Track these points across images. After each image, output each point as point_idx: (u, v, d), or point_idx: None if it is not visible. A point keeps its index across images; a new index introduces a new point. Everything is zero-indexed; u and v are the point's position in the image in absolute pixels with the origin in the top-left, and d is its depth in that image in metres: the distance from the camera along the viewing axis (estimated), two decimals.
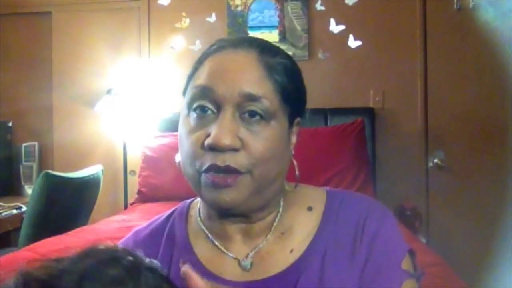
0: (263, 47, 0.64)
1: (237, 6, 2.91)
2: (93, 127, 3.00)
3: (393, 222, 0.65)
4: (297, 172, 0.67)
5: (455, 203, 2.50)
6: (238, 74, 0.60)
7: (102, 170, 2.39)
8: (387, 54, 2.79)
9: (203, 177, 0.60)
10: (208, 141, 0.58)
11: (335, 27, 2.48)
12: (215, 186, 0.59)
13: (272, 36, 2.84)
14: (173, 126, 2.79)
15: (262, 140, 0.60)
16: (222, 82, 0.60)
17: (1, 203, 2.49)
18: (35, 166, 2.98)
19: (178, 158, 0.66)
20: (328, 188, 0.71)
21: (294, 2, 2.87)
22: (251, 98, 0.59)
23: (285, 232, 0.66)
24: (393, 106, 2.82)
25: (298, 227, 0.66)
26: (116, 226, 1.91)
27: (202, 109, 0.60)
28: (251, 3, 2.91)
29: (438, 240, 2.55)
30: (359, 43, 2.50)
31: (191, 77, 0.65)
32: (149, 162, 2.61)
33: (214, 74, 0.61)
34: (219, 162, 0.58)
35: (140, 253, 0.46)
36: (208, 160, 0.59)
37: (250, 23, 2.91)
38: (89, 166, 2.35)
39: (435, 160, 2.61)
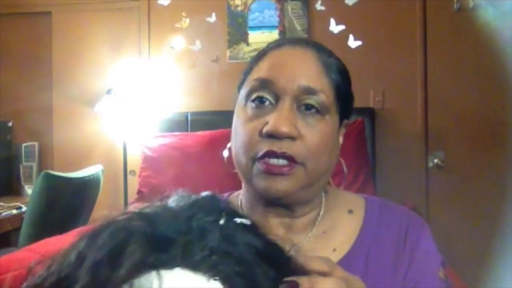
0: (319, 47, 0.68)
1: (237, 6, 2.91)
2: (93, 127, 2.99)
3: (430, 233, 0.68)
4: (345, 170, 0.71)
5: (455, 203, 2.50)
6: (298, 68, 0.63)
7: (102, 170, 2.40)
8: (387, 54, 2.79)
9: (257, 165, 0.61)
10: (266, 128, 0.60)
11: (335, 27, 2.48)
12: (269, 173, 0.60)
13: (272, 36, 2.84)
14: (173, 126, 2.80)
15: (317, 133, 0.62)
16: (282, 75, 0.62)
17: (1, 203, 2.49)
18: (35, 166, 2.98)
19: (226, 153, 0.68)
20: (364, 195, 0.74)
21: (294, 2, 2.87)
22: (309, 91, 0.61)
23: (326, 231, 0.67)
24: (393, 106, 2.82)
25: (339, 228, 0.68)
26: None
27: (261, 100, 0.62)
28: (251, 3, 2.91)
29: (438, 240, 2.53)
30: (359, 43, 2.49)
31: (248, 72, 0.67)
32: (149, 162, 2.61)
33: (274, 67, 0.63)
34: (276, 148, 0.59)
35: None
36: (265, 146, 0.60)
37: (250, 23, 2.91)
38: (89, 166, 2.35)
39: (435, 160, 2.61)
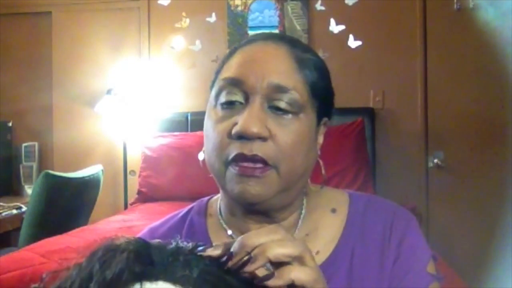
0: (294, 42, 0.64)
1: (237, 6, 2.91)
2: (93, 127, 2.99)
3: (418, 227, 0.66)
4: (323, 172, 0.67)
5: (455, 203, 2.50)
6: (268, 65, 0.59)
7: (102, 170, 2.39)
8: (387, 54, 2.79)
9: (229, 169, 0.58)
10: (236, 129, 0.57)
11: (335, 27, 2.48)
12: (242, 176, 0.57)
13: None
14: (173, 126, 2.80)
15: (290, 133, 0.59)
16: (252, 73, 0.59)
17: (1, 203, 2.49)
18: (35, 166, 2.98)
19: (201, 156, 0.65)
20: (349, 190, 0.71)
21: (294, 2, 2.87)
22: (280, 89, 0.58)
23: (309, 233, 0.65)
24: (393, 106, 2.82)
25: (322, 229, 0.66)
26: (116, 226, 1.91)
27: (230, 100, 0.60)
28: (251, 3, 2.91)
29: (438, 240, 2.54)
30: (359, 43, 2.49)
31: (219, 71, 0.64)
32: (149, 162, 2.61)
33: (243, 65, 0.60)
34: (246, 151, 0.57)
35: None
36: (235, 149, 0.57)
37: (250, 23, 2.91)
38: (89, 166, 2.35)
39: (435, 160, 2.61)
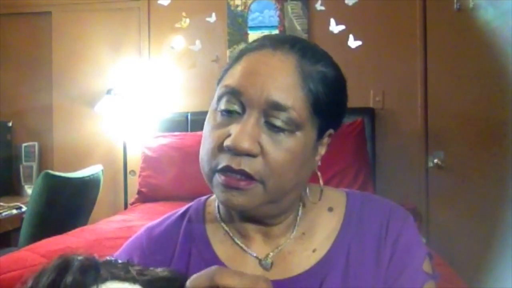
0: (305, 52, 0.61)
1: (237, 6, 2.91)
2: (93, 127, 3.00)
3: (414, 225, 0.66)
4: (321, 182, 0.67)
5: (455, 203, 2.50)
6: (270, 79, 0.58)
7: (102, 170, 2.39)
8: (387, 54, 2.79)
9: (216, 176, 0.59)
10: (226, 143, 0.57)
11: (335, 27, 2.48)
12: (226, 186, 0.58)
13: None
14: (173, 126, 2.80)
15: (282, 151, 0.58)
16: (251, 86, 0.58)
17: (1, 203, 2.49)
18: (35, 166, 2.98)
19: None
20: (346, 189, 0.72)
21: (294, 2, 2.87)
22: (278, 107, 0.57)
23: (306, 232, 0.66)
24: (393, 106, 2.82)
25: (319, 227, 0.66)
26: (116, 226, 1.91)
27: (228, 109, 0.59)
28: (251, 3, 2.91)
29: (438, 240, 2.55)
30: (359, 43, 2.49)
31: (227, 70, 0.63)
32: (149, 162, 2.61)
33: (245, 75, 0.59)
34: (234, 165, 0.57)
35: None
36: (224, 161, 0.58)
37: (250, 23, 2.91)
38: (89, 166, 2.35)
39: (435, 160, 2.61)
